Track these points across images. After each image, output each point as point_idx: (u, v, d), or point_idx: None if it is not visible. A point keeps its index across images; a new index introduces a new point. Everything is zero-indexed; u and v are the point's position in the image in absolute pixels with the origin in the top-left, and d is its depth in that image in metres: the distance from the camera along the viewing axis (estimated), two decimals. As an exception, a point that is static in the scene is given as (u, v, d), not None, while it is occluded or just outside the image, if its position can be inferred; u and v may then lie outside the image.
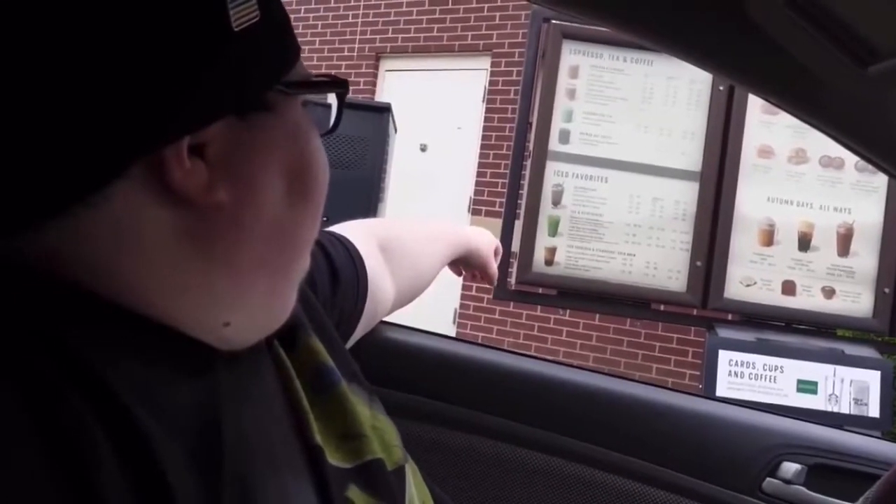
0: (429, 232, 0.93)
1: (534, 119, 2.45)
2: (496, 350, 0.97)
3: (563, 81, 2.43)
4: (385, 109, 2.67)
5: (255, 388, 0.45)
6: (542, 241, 2.42)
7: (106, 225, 0.36)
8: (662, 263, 2.41)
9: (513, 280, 2.47)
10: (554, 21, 2.42)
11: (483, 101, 4.94)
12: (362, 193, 2.55)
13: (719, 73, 0.59)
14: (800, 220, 2.38)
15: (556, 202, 2.42)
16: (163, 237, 0.37)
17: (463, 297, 4.87)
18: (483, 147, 4.89)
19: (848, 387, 2.24)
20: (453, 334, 4.61)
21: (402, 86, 5.28)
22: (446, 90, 5.11)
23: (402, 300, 0.86)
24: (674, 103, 2.42)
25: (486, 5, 4.93)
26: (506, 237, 2.42)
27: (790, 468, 0.84)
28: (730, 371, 2.26)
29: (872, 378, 2.24)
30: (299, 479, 0.43)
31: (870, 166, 0.59)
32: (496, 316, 4.73)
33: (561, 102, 2.43)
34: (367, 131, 2.60)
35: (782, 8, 0.41)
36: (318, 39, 5.58)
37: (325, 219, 0.49)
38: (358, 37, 5.45)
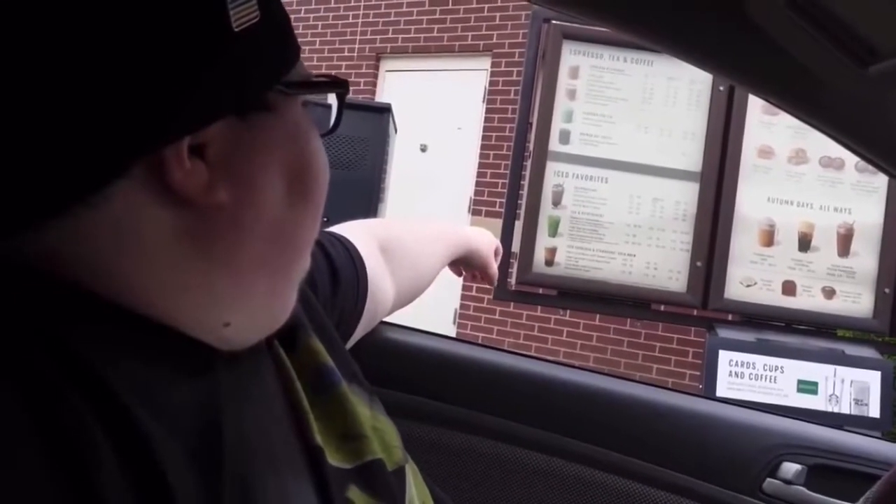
0: (429, 232, 0.93)
1: (534, 119, 2.45)
2: (496, 350, 0.97)
3: (563, 82, 2.43)
4: (385, 110, 2.67)
5: (256, 389, 0.45)
6: (543, 242, 2.41)
7: (106, 225, 0.36)
8: (663, 264, 2.41)
9: (513, 280, 2.47)
10: (554, 21, 2.42)
11: (483, 101, 4.94)
12: (362, 194, 2.55)
13: (719, 73, 0.59)
14: (800, 220, 2.38)
15: (557, 202, 2.42)
16: (163, 237, 0.38)
17: (463, 297, 4.87)
18: (483, 147, 4.89)
19: (848, 387, 2.24)
20: (453, 335, 4.61)
21: (403, 86, 5.28)
22: (446, 90, 5.10)
23: (403, 300, 0.85)
24: (674, 104, 2.42)
25: (487, 5, 4.93)
26: (506, 237, 2.42)
27: (790, 468, 0.84)
28: (730, 371, 2.26)
29: (873, 378, 2.24)
30: (299, 479, 0.43)
31: (870, 167, 0.59)
32: (496, 316, 4.73)
33: (561, 103, 2.43)
34: (367, 132, 2.61)
35: (782, 8, 0.41)
36: (318, 39, 5.58)
37: (325, 219, 0.49)
38: (358, 37, 5.45)
